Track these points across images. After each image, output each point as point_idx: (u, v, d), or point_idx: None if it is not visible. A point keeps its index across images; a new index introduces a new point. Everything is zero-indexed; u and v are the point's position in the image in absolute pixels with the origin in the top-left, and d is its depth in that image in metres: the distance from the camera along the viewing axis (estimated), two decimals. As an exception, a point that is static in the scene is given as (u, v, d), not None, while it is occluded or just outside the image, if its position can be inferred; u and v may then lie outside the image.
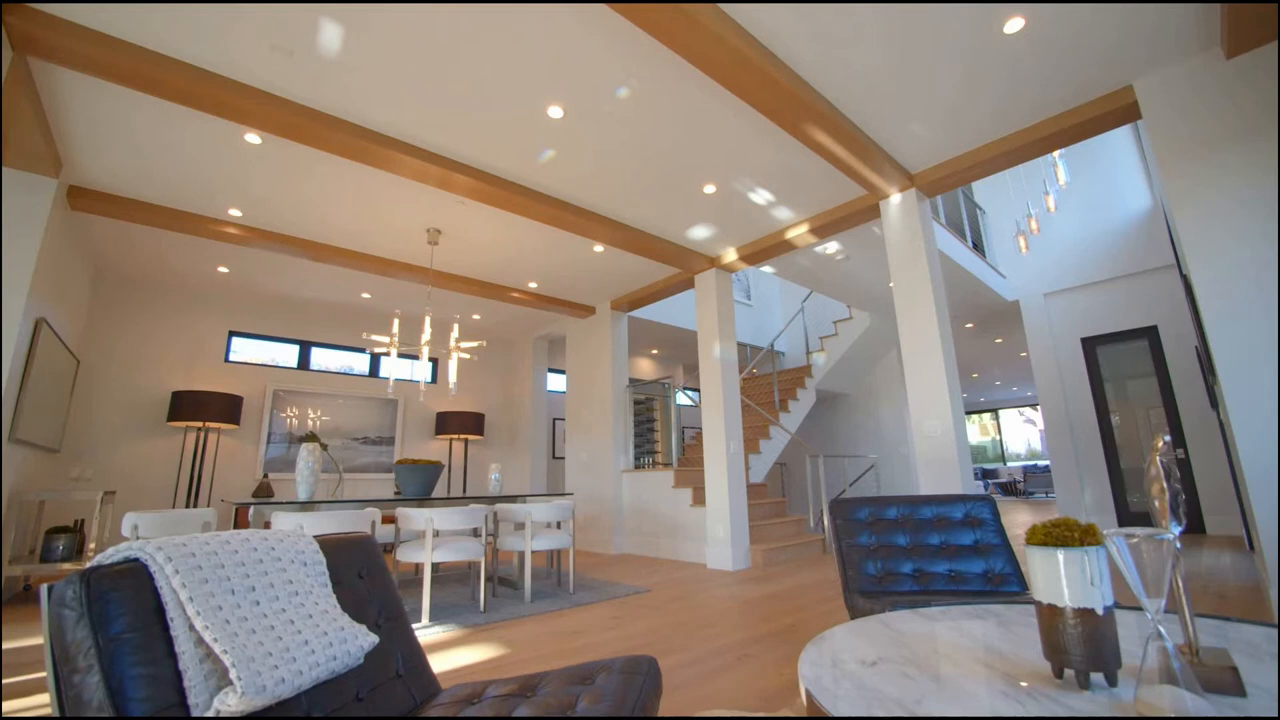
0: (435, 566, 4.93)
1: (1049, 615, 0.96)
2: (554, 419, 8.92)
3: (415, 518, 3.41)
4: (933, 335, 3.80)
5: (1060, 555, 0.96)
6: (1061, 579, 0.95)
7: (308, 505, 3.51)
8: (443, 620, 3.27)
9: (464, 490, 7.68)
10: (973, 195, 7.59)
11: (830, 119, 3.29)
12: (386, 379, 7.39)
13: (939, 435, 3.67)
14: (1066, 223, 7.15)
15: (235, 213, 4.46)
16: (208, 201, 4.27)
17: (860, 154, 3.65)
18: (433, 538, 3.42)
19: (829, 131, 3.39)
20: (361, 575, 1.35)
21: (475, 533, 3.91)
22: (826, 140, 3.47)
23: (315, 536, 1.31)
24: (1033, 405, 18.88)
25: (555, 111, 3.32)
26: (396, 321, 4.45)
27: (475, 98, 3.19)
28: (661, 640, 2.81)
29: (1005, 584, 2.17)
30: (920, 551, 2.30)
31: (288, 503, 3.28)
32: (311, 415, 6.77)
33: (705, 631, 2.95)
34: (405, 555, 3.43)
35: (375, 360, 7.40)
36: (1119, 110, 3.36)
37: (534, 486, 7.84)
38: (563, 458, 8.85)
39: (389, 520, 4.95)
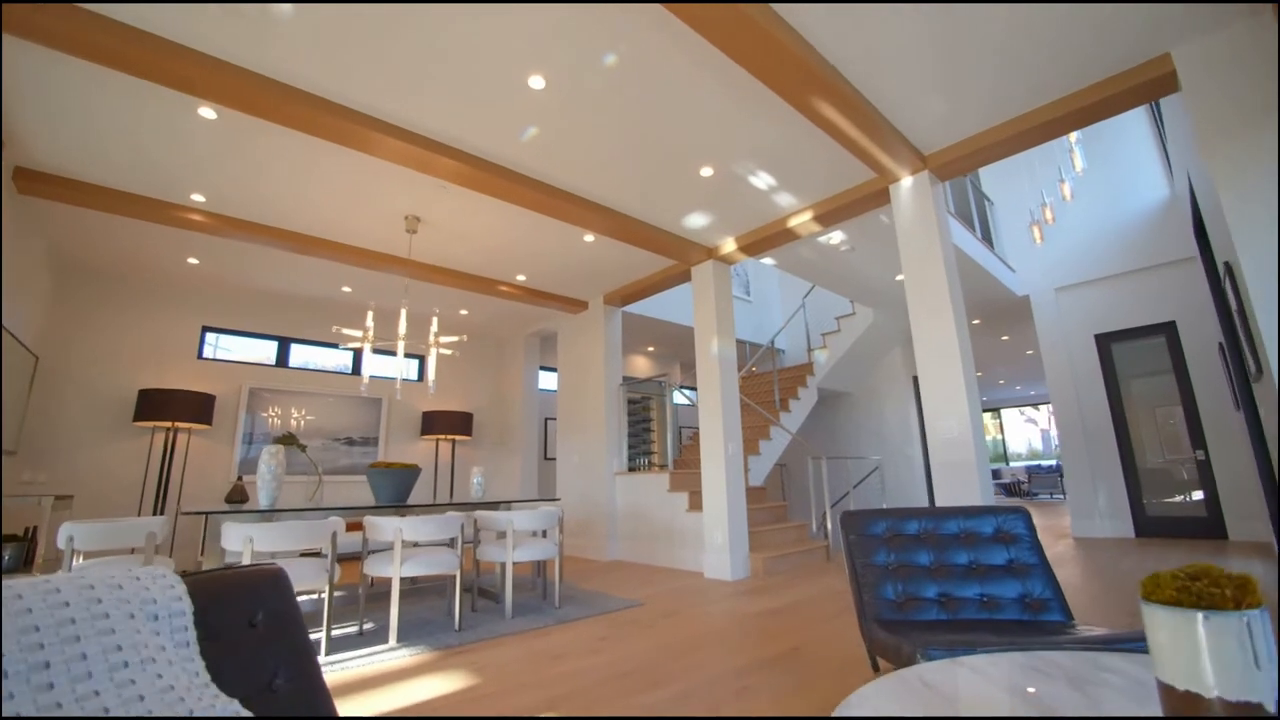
0: (413, 580, 4.62)
1: (1183, 706, 0.67)
2: (546, 419, 8.63)
3: (383, 527, 3.11)
4: (948, 327, 3.51)
5: (1202, 620, 0.67)
6: (1203, 654, 0.66)
7: (267, 514, 3.22)
8: (411, 641, 2.97)
9: (450, 494, 7.37)
10: (980, 186, 7.30)
11: (839, 90, 3.00)
12: (376, 378, 7.09)
13: (956, 436, 3.38)
14: (1079, 215, 6.87)
15: (198, 198, 4.15)
16: (167, 185, 3.97)
17: (870, 131, 3.36)
18: (403, 549, 3.13)
19: (837, 104, 3.09)
20: (255, 623, 1.05)
21: (453, 543, 3.62)
22: (834, 115, 3.18)
23: (211, 572, 1.02)
24: (1034, 405, 18.63)
25: (536, 82, 3.02)
26: (370, 314, 4.15)
27: (446, 64, 2.89)
28: (651, 667, 2.52)
29: (1045, 611, 1.88)
30: (946, 572, 2.01)
31: (242, 511, 2.98)
32: (295, 415, 6.47)
33: (700, 655, 2.66)
34: (373, 568, 3.13)
35: (358, 357, 7.09)
36: (1152, 82, 3.07)
37: (524, 489, 7.54)
38: (555, 459, 8.55)
39: (358, 527, 4.65)
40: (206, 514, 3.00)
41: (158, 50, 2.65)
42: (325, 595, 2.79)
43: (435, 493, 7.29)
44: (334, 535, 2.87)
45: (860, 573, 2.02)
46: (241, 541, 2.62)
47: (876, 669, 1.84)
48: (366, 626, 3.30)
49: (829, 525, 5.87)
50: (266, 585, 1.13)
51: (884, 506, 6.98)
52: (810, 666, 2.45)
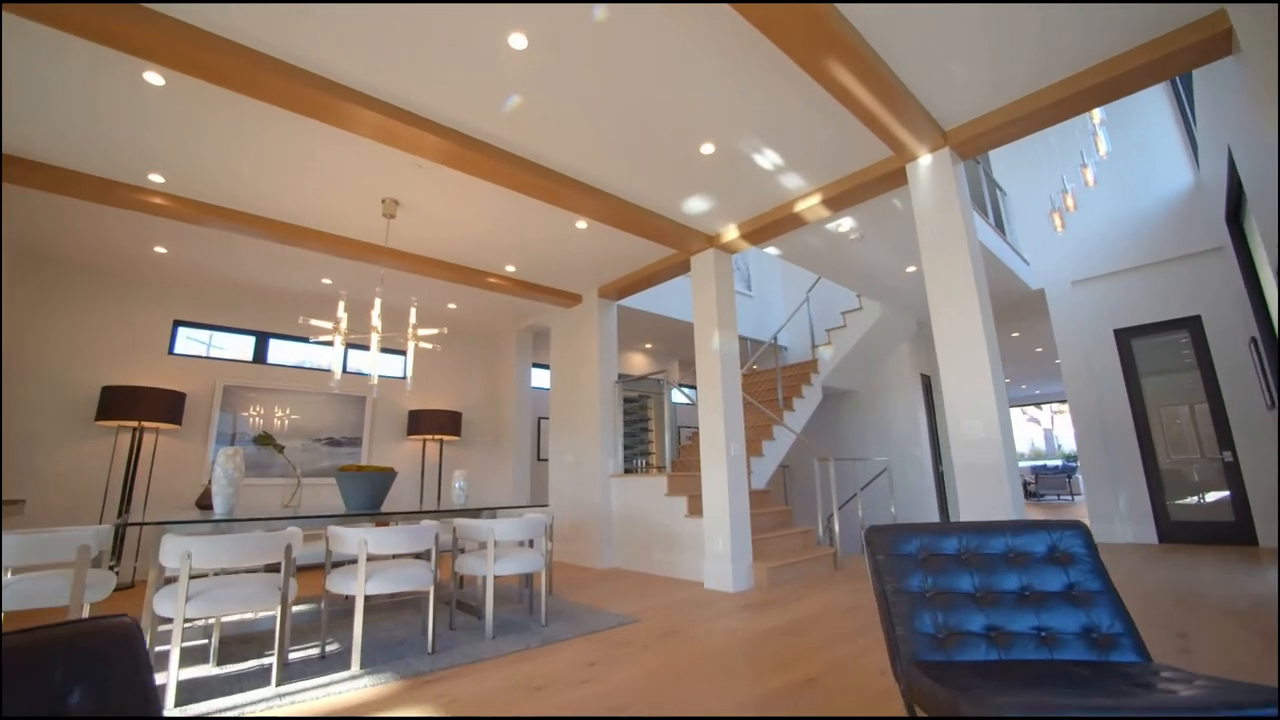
0: (391, 597, 4.28)
1: None
2: (539, 418, 8.30)
3: (347, 539, 2.79)
4: (973, 318, 3.20)
5: None
6: None
7: (222, 524, 2.90)
8: (377, 666, 2.65)
9: (437, 498, 7.05)
10: (991, 173, 6.98)
11: (857, 53, 2.68)
12: (360, 374, 6.77)
13: (981, 438, 3.06)
14: (1096, 204, 6.55)
15: (156, 178, 3.83)
16: (119, 164, 3.64)
17: (888, 101, 3.04)
18: (372, 562, 2.81)
19: (854, 69, 2.77)
20: (62, 712, 0.73)
21: (427, 555, 3.30)
22: (850, 81, 2.86)
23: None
24: (1038, 404, 18.32)
25: (518, 41, 2.70)
26: (342, 305, 3.82)
27: (417, 21, 2.57)
28: (645, 700, 2.20)
29: (1116, 649, 1.56)
30: (993, 599, 1.69)
31: (188, 521, 2.66)
32: (279, 414, 6.15)
33: (702, 688, 2.34)
34: (336, 584, 2.81)
35: (344, 353, 6.75)
36: (1201, 43, 2.77)
37: (516, 491, 7.22)
38: (548, 460, 8.23)
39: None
40: (145, 524, 2.68)
41: (110, 10, 2.32)
42: (278, 616, 2.47)
43: (422, 497, 6.97)
44: (288, 549, 2.55)
45: (891, 600, 1.71)
46: (178, 557, 2.30)
47: (915, 720, 1.53)
48: (330, 648, 2.97)
49: (836, 530, 5.56)
50: (95, 651, 0.80)
51: (893, 510, 6.67)
52: (828, 700, 2.14)
